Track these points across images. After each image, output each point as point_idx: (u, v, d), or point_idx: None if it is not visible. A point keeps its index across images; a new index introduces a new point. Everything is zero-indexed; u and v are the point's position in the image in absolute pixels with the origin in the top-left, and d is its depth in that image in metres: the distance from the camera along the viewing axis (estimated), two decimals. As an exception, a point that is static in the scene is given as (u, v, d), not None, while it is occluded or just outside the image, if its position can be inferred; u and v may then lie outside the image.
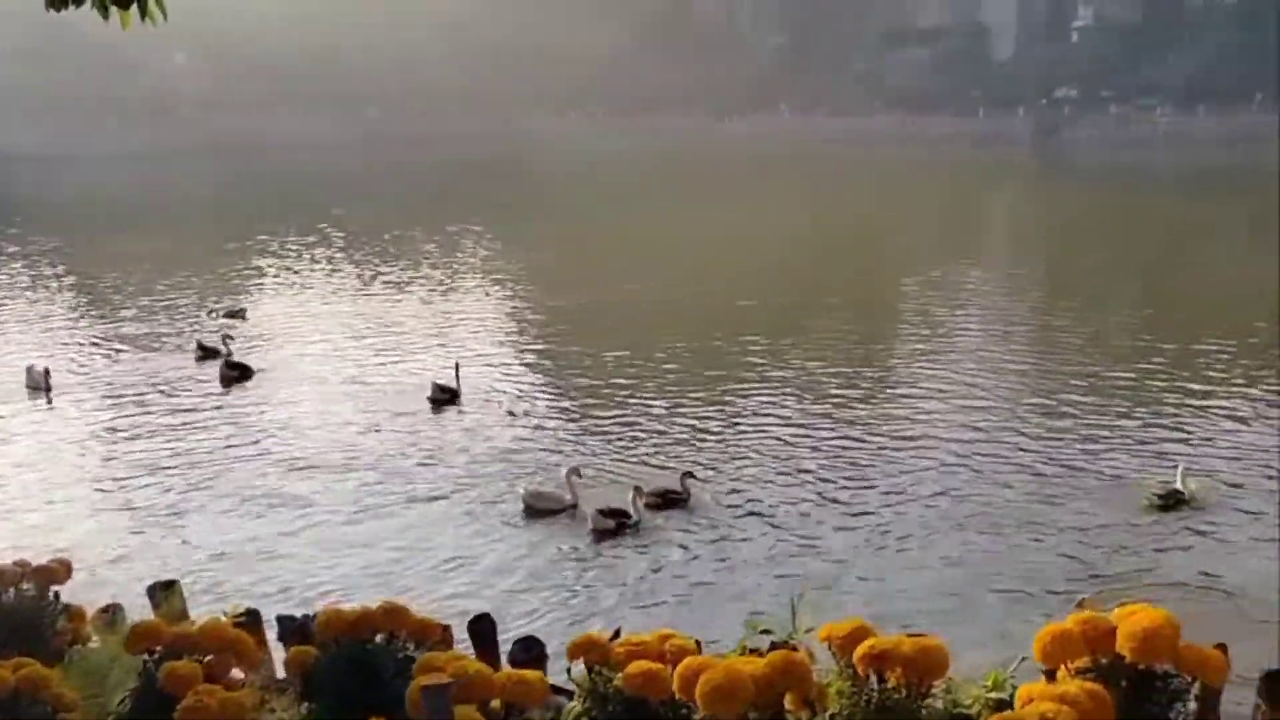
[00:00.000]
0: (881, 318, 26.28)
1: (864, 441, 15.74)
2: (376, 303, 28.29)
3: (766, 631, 5.21)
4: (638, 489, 13.06)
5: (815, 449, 15.42)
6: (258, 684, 5.40)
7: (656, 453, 15.40)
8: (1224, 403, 17.09)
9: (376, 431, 16.92)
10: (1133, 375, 18.92)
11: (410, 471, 15.02)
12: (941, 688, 4.15)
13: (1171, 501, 12.71)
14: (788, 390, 18.62)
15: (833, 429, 16.37)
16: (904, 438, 15.88)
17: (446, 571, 11.80)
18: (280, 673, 5.85)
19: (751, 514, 13.13)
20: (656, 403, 17.95)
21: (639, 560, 11.99)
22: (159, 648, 5.19)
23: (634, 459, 15.20)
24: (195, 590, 10.21)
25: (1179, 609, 9.41)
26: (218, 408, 18.52)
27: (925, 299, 27.32)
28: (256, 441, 16.52)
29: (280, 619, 6.42)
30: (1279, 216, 40.44)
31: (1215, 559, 11.57)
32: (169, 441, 16.59)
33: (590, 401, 18.34)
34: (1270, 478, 13.81)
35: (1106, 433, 15.81)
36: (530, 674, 4.50)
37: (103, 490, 14.60)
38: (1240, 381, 18.25)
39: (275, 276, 33.19)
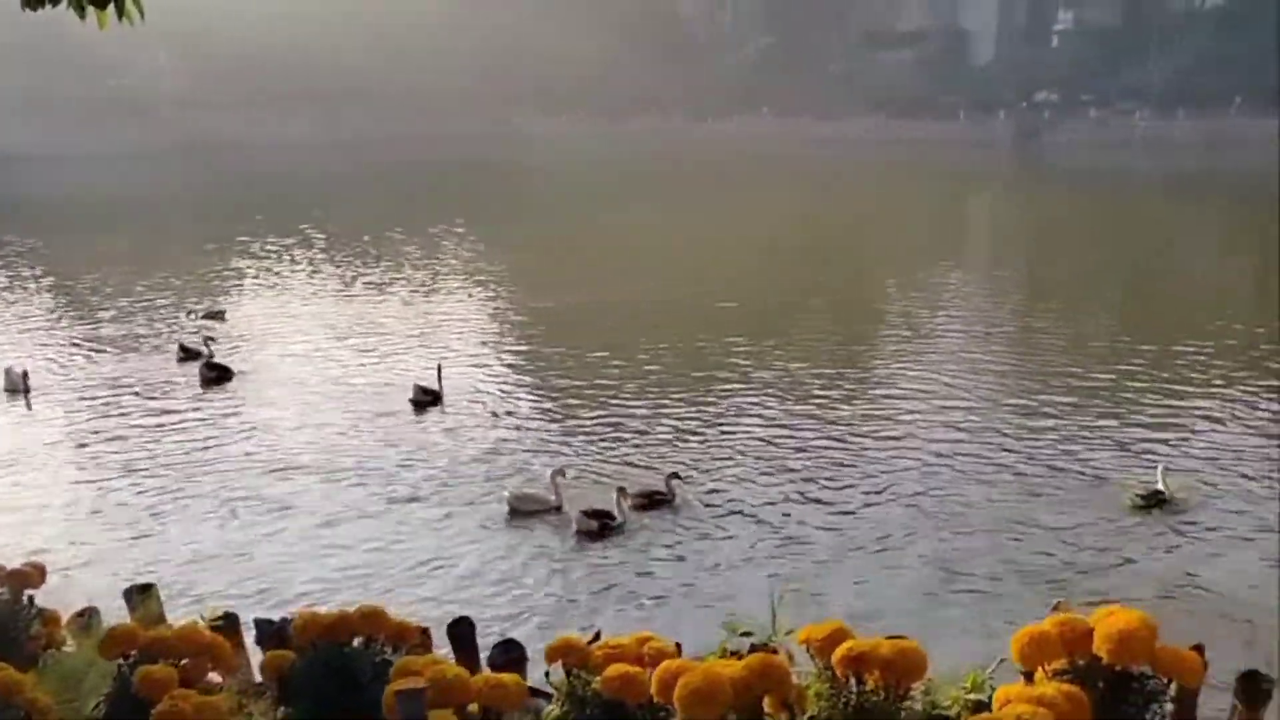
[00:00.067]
0: (863, 319, 26.34)
1: (846, 442, 15.79)
2: (358, 304, 28.18)
3: (746, 633, 5.20)
4: (621, 489, 13.07)
5: (798, 449, 15.45)
6: (235, 688, 5.36)
7: (640, 453, 15.40)
8: (1202, 403, 17.22)
9: (357, 433, 16.85)
10: (1112, 376, 19.03)
11: (392, 473, 14.96)
12: (920, 689, 4.15)
13: (1153, 502, 12.80)
14: (771, 391, 18.65)
15: (815, 429, 16.41)
16: (886, 438, 15.95)
17: (428, 573, 11.76)
18: (258, 676, 5.82)
19: (734, 514, 13.15)
20: (640, 404, 17.94)
21: (622, 561, 11.98)
22: (134, 652, 5.14)
23: (618, 460, 15.19)
24: (173, 593, 10.15)
25: (1159, 609, 9.48)
26: (197, 409, 18.41)
27: (907, 301, 27.41)
28: (236, 443, 16.43)
29: (258, 622, 6.37)
30: (1249, 220, 40.81)
31: (1195, 559, 11.66)
32: (148, 443, 16.48)
33: (573, 402, 18.32)
34: (1248, 477, 13.93)
35: (1087, 433, 15.89)
36: (508, 677, 4.48)
37: (80, 492, 14.49)
38: (1219, 383, 18.38)
39: (255, 277, 33.02)
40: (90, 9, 4.14)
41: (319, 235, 41.35)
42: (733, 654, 4.75)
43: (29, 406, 18.79)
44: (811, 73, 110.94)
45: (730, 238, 39.85)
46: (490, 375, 20.43)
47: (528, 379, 20.42)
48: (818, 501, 13.52)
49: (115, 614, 6.67)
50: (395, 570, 11.83)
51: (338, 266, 34.54)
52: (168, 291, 29.69)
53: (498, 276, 32.49)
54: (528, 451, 15.72)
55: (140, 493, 14.34)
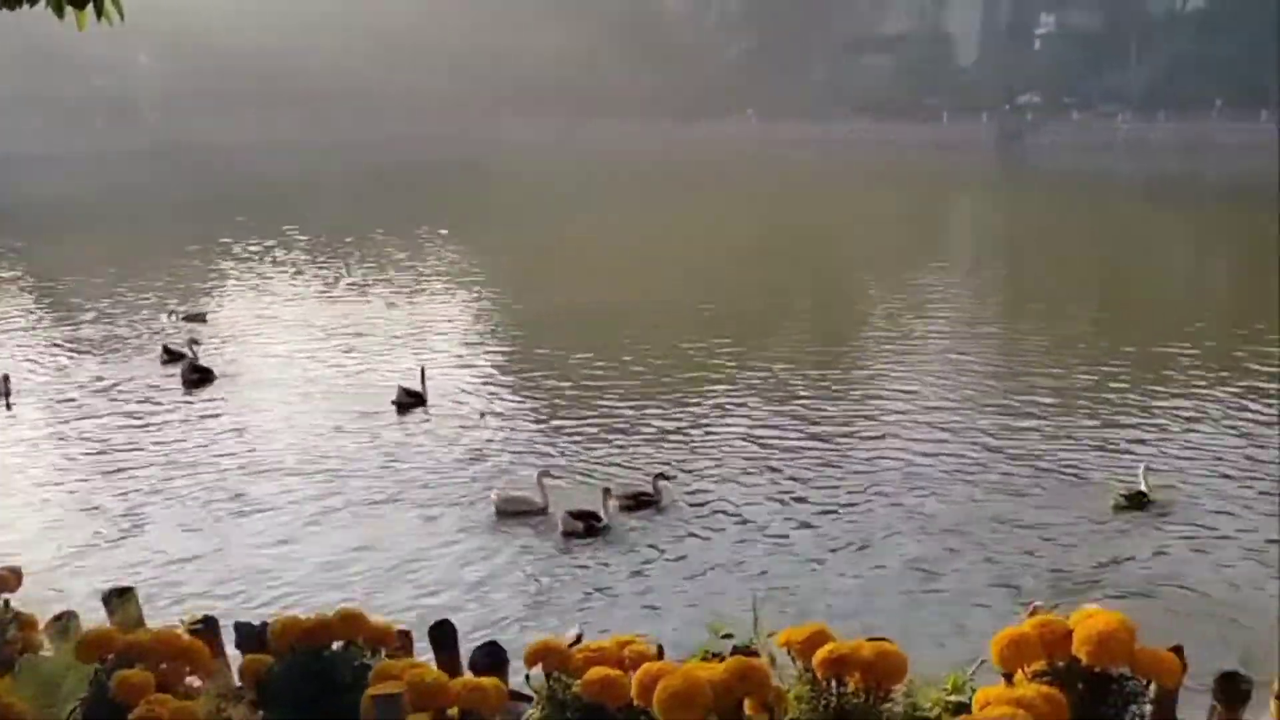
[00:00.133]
0: (847, 320, 26.42)
1: (830, 442, 15.82)
2: (341, 306, 28.09)
3: (728, 636, 5.19)
4: (607, 490, 13.06)
5: (783, 450, 15.47)
6: (214, 692, 5.32)
7: (625, 454, 15.40)
8: (1183, 404, 17.33)
9: (340, 435, 16.78)
10: (1095, 378, 19.11)
11: (375, 475, 14.91)
12: (901, 691, 4.15)
13: (1137, 503, 12.86)
14: (755, 392, 18.67)
15: (800, 430, 16.44)
16: (870, 438, 16.00)
17: (412, 575, 11.72)
18: (239, 681, 5.77)
19: (720, 515, 13.16)
20: (624, 405, 17.93)
21: (607, 563, 11.97)
22: (111, 656, 5.10)
23: (604, 461, 15.19)
24: (153, 596, 10.09)
25: (1142, 609, 9.53)
26: (179, 411, 18.31)
27: (890, 302, 27.49)
28: (218, 445, 16.35)
29: (238, 626, 6.32)
30: (1229, 223, 41.13)
31: (1178, 559, 11.72)
32: (129, 445, 16.39)
33: (558, 404, 18.31)
34: (1228, 477, 14.01)
35: (1069, 434, 15.96)
36: (487, 681, 4.46)
37: (60, 495, 14.39)
38: (1200, 384, 18.49)
39: (237, 279, 32.89)
40: (69, 9, 4.11)
41: (301, 237, 41.21)
42: (714, 656, 4.73)
43: (9, 408, 18.66)
44: (796, 75, 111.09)
45: (715, 239, 39.88)
46: (474, 377, 20.38)
47: (512, 380, 20.39)
48: (803, 501, 13.54)
49: (94, 618, 6.62)
50: (379, 572, 11.78)
51: (320, 268, 34.43)
52: (149, 293, 29.52)
53: (481, 278, 32.45)
54: (512, 453, 15.69)
55: (121, 495, 14.25)
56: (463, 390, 19.15)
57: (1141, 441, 15.46)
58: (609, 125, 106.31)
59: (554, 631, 9.57)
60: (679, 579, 11.55)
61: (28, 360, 22.20)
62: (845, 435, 16.17)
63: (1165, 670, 3.79)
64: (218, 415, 18.03)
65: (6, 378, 19.36)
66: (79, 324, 25.90)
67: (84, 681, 5.25)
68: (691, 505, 13.44)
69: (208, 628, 6.14)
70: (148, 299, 28.74)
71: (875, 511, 13.19)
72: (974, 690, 4.03)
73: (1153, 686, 3.95)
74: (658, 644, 5.09)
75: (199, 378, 19.94)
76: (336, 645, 5.03)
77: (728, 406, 17.87)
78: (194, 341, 21.38)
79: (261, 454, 15.86)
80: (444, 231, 41.40)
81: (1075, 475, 14.25)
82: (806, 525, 12.82)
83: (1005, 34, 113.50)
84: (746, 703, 3.97)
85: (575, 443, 16.08)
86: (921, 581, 11.32)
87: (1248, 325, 22.58)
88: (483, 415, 17.54)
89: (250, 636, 5.99)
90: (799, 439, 16.00)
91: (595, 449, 15.75)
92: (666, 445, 15.77)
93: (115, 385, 19.99)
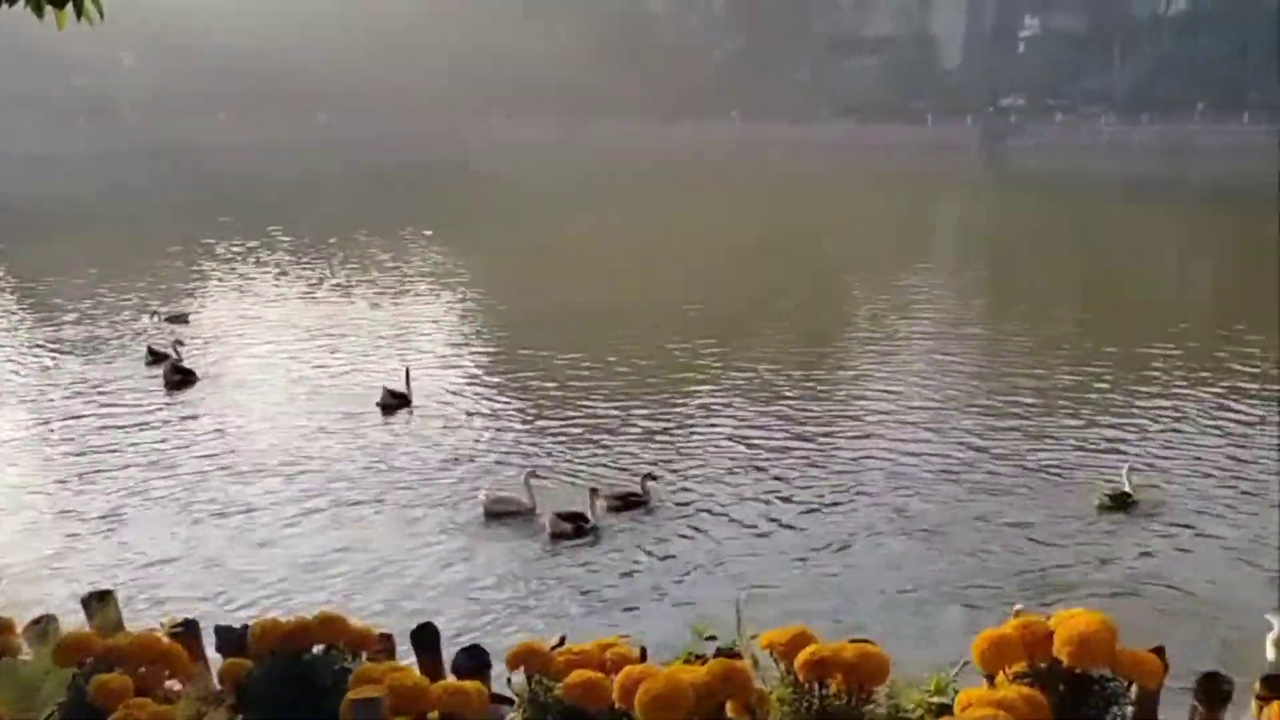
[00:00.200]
0: (832, 321, 26.45)
1: (816, 442, 15.84)
2: (325, 307, 27.97)
3: (712, 637, 5.19)
4: (594, 491, 13.03)
5: (769, 450, 15.48)
6: (194, 696, 5.28)
7: (611, 454, 15.38)
8: (1166, 404, 17.40)
9: (324, 437, 16.70)
10: (1079, 378, 19.18)
11: (359, 477, 14.84)
12: (884, 692, 4.15)
13: (1121, 503, 12.91)
14: (740, 392, 18.68)
15: (785, 430, 16.45)
16: (854, 437, 16.03)
17: (397, 578, 11.66)
18: (218, 684, 5.73)
19: (705, 515, 13.15)
20: (611, 405, 17.91)
21: (594, 564, 11.95)
22: (89, 660, 5.06)
23: (591, 461, 15.16)
24: (134, 599, 10.03)
25: (1125, 610, 9.56)
26: (161, 413, 18.20)
27: (874, 303, 27.54)
28: (200, 446, 16.25)
29: (218, 629, 6.28)
30: (1211, 224, 41.37)
31: (1160, 559, 11.77)
32: (110, 447, 16.27)
33: (544, 404, 18.26)
34: (1210, 476, 14.09)
35: (1053, 434, 16.01)
36: (469, 684, 4.43)
37: (39, 497, 14.28)
38: (1183, 384, 18.58)
39: (220, 280, 32.72)
40: (48, 8, 4.07)
41: (285, 238, 41.02)
42: (698, 658, 4.72)
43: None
44: (780, 77, 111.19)
45: (699, 240, 39.89)
46: (459, 378, 20.33)
47: (497, 381, 20.33)
48: (789, 501, 13.55)
49: (74, 621, 6.57)
50: (363, 575, 11.72)
51: (304, 269, 34.27)
52: (131, 294, 29.35)
53: (466, 279, 32.35)
54: (498, 454, 15.65)
55: (101, 496, 14.15)
56: (448, 391, 19.09)
57: (1124, 441, 15.53)
58: (594, 127, 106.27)
59: (540, 634, 9.57)
60: (666, 579, 11.53)
61: (9, 361, 22.05)
62: (830, 435, 16.20)
63: (1146, 671, 3.79)
64: (200, 417, 17.92)
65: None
66: (60, 325, 25.72)
67: (62, 686, 5.21)
68: (678, 505, 13.44)
69: (188, 631, 6.10)
70: (129, 300, 28.55)
71: (859, 511, 13.21)
72: (957, 691, 4.03)
73: (1134, 687, 3.95)
74: (641, 646, 5.08)
75: (181, 379, 19.82)
76: (317, 649, 5.00)
77: (713, 407, 17.87)
78: (179, 343, 21.26)
79: (244, 456, 15.77)
80: (428, 232, 41.29)
81: (1058, 475, 14.30)
82: (791, 525, 12.83)
83: (989, 36, 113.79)
84: (729, 705, 3.96)
85: (561, 443, 16.05)
86: (905, 581, 11.34)
87: (1229, 326, 22.71)
88: (465, 417, 17.48)
89: (231, 640, 5.96)
90: (784, 439, 16.01)
91: (581, 449, 15.72)
92: (652, 446, 15.76)
93: (97, 387, 19.86)
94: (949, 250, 42.53)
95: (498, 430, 16.93)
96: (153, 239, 41.54)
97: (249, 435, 16.83)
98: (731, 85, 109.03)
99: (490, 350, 23.41)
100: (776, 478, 14.33)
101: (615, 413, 17.49)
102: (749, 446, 15.65)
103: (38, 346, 23.51)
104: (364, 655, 4.95)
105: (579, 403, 18.15)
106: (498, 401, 18.79)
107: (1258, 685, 4.45)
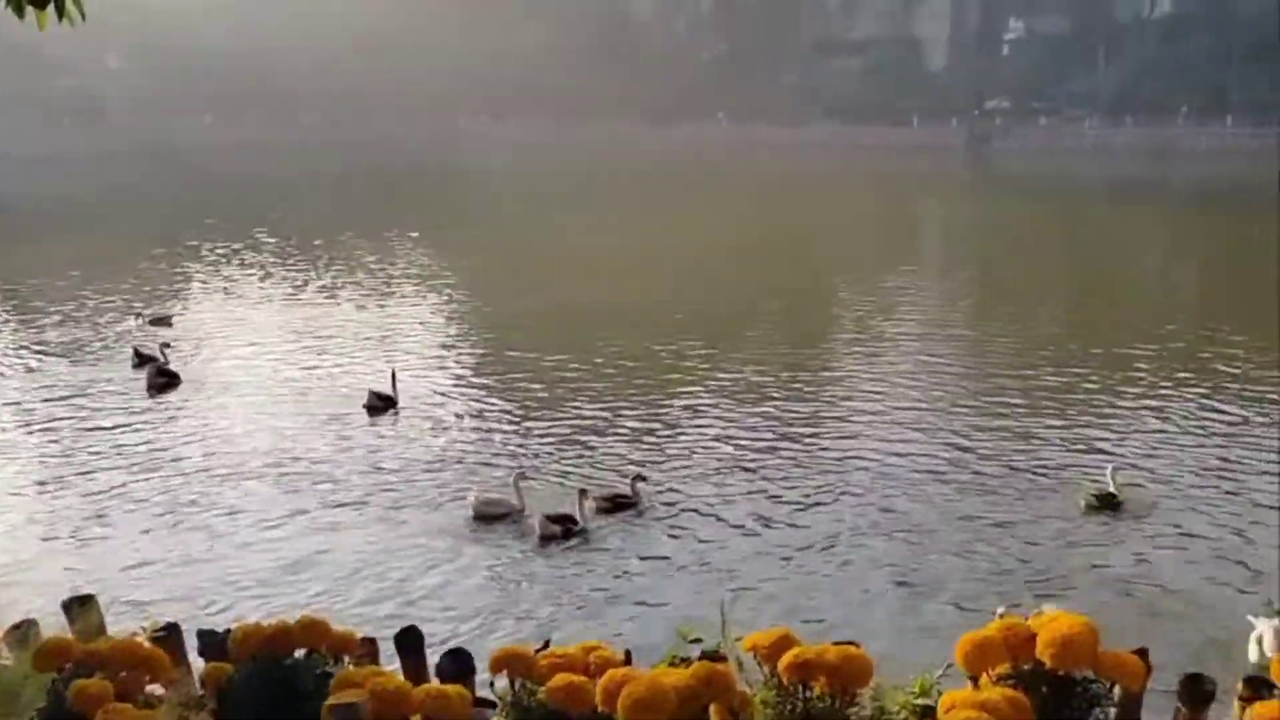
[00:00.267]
0: (819, 322, 26.49)
1: (802, 443, 15.86)
2: (310, 309, 27.87)
3: (697, 640, 5.17)
4: (583, 492, 13.00)
5: (756, 451, 15.50)
6: (176, 701, 5.24)
7: (599, 456, 15.36)
8: (1151, 404, 17.48)
9: (309, 439, 16.62)
10: (1064, 379, 19.25)
11: (345, 479, 14.78)
12: (869, 694, 4.14)
13: (1106, 503, 12.95)
14: (727, 394, 18.69)
15: (772, 430, 16.47)
16: (841, 438, 16.06)
17: (381, 581, 11.60)
18: (200, 689, 5.69)
19: (694, 516, 13.15)
20: (598, 407, 17.89)
21: (583, 566, 11.93)
22: (69, 665, 5.01)
23: (579, 463, 15.14)
24: (116, 603, 9.95)
25: (1109, 610, 9.60)
26: (144, 415, 18.09)
27: (861, 304, 27.60)
28: (184, 449, 16.16)
29: (201, 633, 6.23)
30: (1195, 226, 41.60)
31: (1145, 559, 11.81)
32: (93, 450, 16.16)
33: (531, 406, 18.23)
34: (1195, 476, 14.16)
35: (1039, 435, 16.07)
36: (452, 688, 4.41)
37: (21, 500, 14.18)
38: (1167, 385, 18.66)
39: (205, 281, 32.59)
40: (30, 9, 4.04)
41: (270, 239, 40.88)
42: (682, 661, 4.71)
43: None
44: (766, 79, 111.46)
45: (686, 242, 39.90)
46: (446, 380, 20.28)
47: (484, 383, 20.29)
48: (778, 501, 13.58)
49: (55, 626, 6.51)
50: (348, 578, 11.67)
51: (290, 271, 34.16)
52: (114, 296, 29.19)
53: (452, 281, 32.29)
54: (485, 456, 15.60)
55: (84, 499, 14.05)
56: (434, 393, 19.04)
57: (1109, 442, 15.59)
58: (579, 128, 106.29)
59: (529, 637, 9.54)
60: (655, 581, 11.52)
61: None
62: (816, 436, 16.22)
63: (1129, 673, 3.79)
64: (183, 419, 17.82)
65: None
66: (42, 327, 25.57)
67: (42, 691, 5.16)
68: (665, 506, 13.44)
69: (170, 635, 6.05)
70: (113, 302, 28.41)
71: (846, 512, 13.22)
72: (941, 693, 4.02)
73: (1117, 689, 3.95)
74: (625, 649, 5.06)
75: (165, 381, 19.70)
76: (300, 653, 4.97)
77: (701, 408, 17.87)
78: (165, 345, 21.15)
79: (229, 458, 15.69)
80: (414, 234, 41.21)
81: (1044, 476, 14.34)
82: (778, 526, 12.84)
83: (974, 39, 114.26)
84: (712, 708, 3.95)
85: (549, 445, 16.03)
86: (891, 582, 11.36)
87: (1213, 327, 22.84)
88: (451, 419, 17.43)
89: (213, 644, 5.91)
90: (771, 440, 16.02)
91: (569, 451, 15.70)
92: (641, 447, 15.76)
93: (81, 389, 19.74)
94: (935, 252, 42.65)
95: (485, 432, 16.89)
96: (138, 240, 41.36)
97: (233, 438, 16.75)
98: (717, 87, 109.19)
99: (477, 352, 23.36)
100: (764, 478, 14.34)
101: (603, 414, 17.47)
102: (736, 447, 15.66)
103: (21, 348, 23.36)
104: (347, 660, 4.92)
105: (567, 404, 18.12)
106: (485, 403, 18.74)
107: (1240, 686, 4.46)
